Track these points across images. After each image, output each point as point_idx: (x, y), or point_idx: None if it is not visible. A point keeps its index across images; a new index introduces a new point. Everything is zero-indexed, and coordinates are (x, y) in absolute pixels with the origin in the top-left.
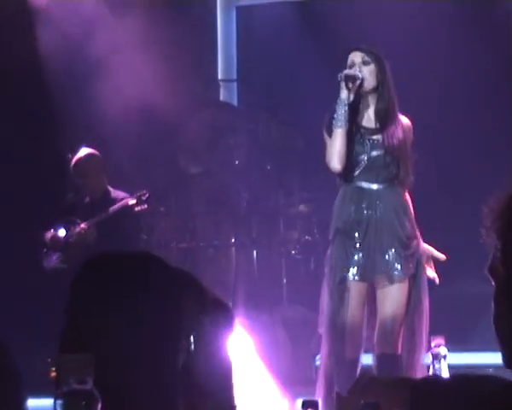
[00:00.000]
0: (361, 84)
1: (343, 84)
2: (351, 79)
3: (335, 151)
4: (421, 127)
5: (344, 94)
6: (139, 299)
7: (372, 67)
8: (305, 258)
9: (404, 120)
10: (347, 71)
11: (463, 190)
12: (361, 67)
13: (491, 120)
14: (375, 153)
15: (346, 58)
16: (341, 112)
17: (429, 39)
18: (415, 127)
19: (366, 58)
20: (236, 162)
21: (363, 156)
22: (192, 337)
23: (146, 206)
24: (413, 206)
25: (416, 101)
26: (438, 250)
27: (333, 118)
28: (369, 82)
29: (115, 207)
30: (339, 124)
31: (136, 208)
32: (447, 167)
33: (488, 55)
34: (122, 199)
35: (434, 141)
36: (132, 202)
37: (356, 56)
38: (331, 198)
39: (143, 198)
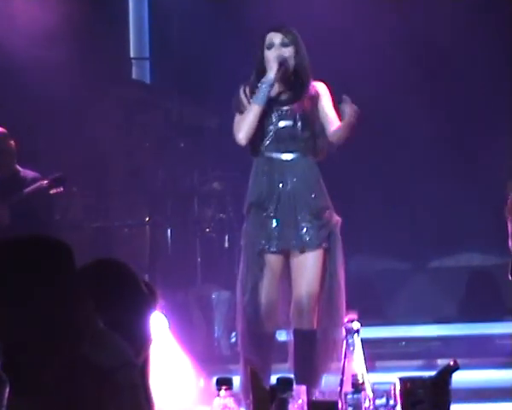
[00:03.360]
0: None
1: (275, 66)
2: (284, 63)
3: (246, 125)
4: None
5: (273, 74)
6: (34, 285)
7: (291, 49)
8: (219, 236)
9: (318, 86)
10: (279, 57)
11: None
12: (280, 48)
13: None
14: (282, 123)
15: (264, 37)
16: (265, 91)
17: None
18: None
19: (285, 40)
20: (149, 140)
21: (271, 127)
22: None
23: (62, 188)
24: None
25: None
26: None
27: (252, 93)
28: (290, 63)
29: (30, 189)
30: (258, 101)
31: (52, 191)
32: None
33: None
34: (33, 178)
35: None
36: (47, 183)
37: (275, 37)
38: (245, 176)
39: (59, 180)
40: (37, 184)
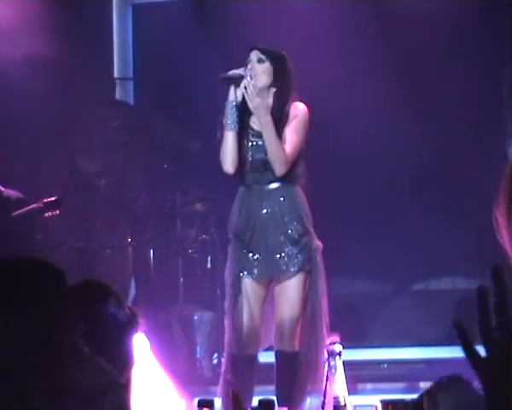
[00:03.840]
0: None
1: (231, 87)
2: (231, 79)
3: (227, 154)
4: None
5: (231, 95)
6: (22, 310)
7: (266, 65)
8: (202, 257)
9: (296, 107)
10: (231, 72)
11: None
12: (254, 65)
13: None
14: (257, 156)
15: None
16: (230, 113)
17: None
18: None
19: (261, 56)
20: (133, 161)
21: (248, 158)
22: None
23: (57, 211)
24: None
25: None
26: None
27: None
28: (261, 80)
29: (22, 211)
30: (228, 126)
31: (47, 214)
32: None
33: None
34: (17, 199)
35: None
36: (43, 206)
37: (253, 54)
38: (228, 197)
39: (55, 203)
40: (33, 205)
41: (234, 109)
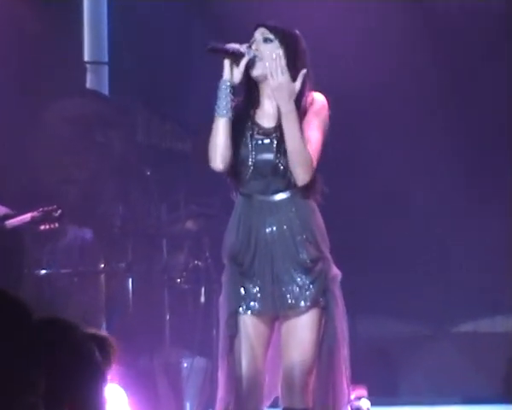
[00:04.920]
0: (252, 65)
1: (226, 62)
2: (226, 53)
3: (217, 146)
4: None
5: (226, 73)
6: None
7: (274, 45)
8: (193, 288)
9: (315, 102)
10: (229, 45)
11: None
12: (260, 45)
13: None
14: (262, 157)
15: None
16: (223, 96)
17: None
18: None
19: (268, 35)
20: (107, 167)
21: (249, 160)
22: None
23: (57, 224)
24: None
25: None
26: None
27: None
28: (269, 63)
29: (14, 221)
30: (220, 111)
31: (42, 227)
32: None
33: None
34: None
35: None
36: (38, 218)
37: (258, 33)
38: (227, 213)
39: (55, 215)
40: (24, 217)
41: (228, 91)
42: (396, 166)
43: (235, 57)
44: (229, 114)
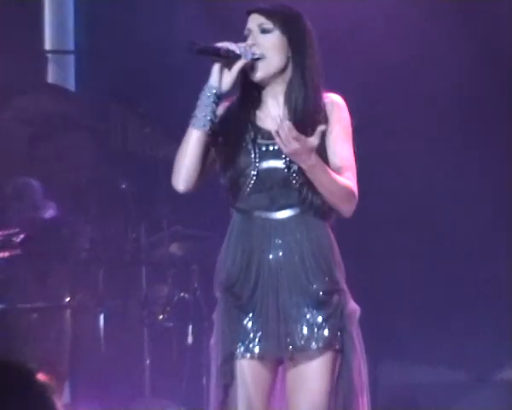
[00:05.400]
0: (252, 67)
1: (216, 66)
2: (218, 55)
3: (182, 165)
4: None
5: (214, 79)
6: None
7: (276, 36)
8: (179, 326)
9: (332, 100)
10: (222, 44)
11: None
12: (257, 38)
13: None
14: (268, 164)
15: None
16: (204, 104)
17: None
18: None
19: (266, 25)
20: (72, 178)
21: (250, 169)
22: None
23: (19, 251)
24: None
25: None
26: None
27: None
28: (271, 61)
29: None
30: (197, 123)
31: (1, 254)
32: None
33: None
34: None
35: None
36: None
37: (252, 22)
38: (221, 235)
39: (15, 240)
40: None
41: (211, 100)
42: (423, 186)
43: (229, 60)
44: (207, 128)
